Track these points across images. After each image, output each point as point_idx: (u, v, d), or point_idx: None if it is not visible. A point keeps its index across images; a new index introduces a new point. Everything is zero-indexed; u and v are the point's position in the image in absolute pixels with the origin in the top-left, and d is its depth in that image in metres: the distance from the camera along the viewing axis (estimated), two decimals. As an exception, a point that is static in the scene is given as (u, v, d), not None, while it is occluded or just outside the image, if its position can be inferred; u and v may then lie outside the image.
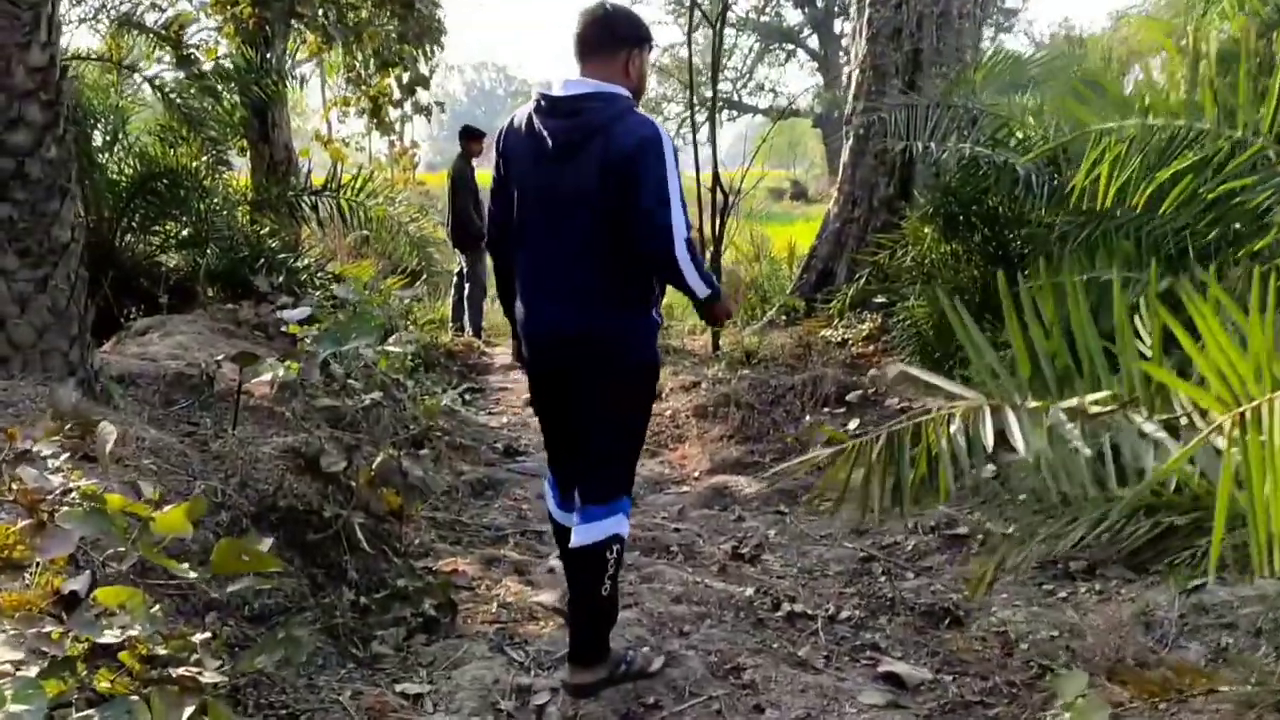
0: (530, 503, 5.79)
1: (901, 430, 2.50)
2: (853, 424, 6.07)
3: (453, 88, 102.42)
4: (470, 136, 10.24)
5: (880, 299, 8.32)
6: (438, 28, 11.18)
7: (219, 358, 5.46)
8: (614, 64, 3.17)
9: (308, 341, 4.17)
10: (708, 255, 8.56)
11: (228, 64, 8.72)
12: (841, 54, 42.83)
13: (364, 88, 11.77)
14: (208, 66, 8.82)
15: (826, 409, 6.47)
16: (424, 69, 11.82)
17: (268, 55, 8.71)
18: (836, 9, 43.02)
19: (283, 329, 5.82)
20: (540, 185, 3.18)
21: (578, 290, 3.18)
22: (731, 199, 8.54)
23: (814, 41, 43.05)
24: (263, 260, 7.86)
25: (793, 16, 42.99)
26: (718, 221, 8.46)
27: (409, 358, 6.59)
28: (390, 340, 6.22)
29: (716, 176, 8.32)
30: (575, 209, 3.12)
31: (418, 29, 10.80)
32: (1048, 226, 6.74)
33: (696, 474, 6.20)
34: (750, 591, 4.33)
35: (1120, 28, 9.03)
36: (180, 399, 5.44)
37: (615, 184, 3.03)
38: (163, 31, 8.69)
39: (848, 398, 6.24)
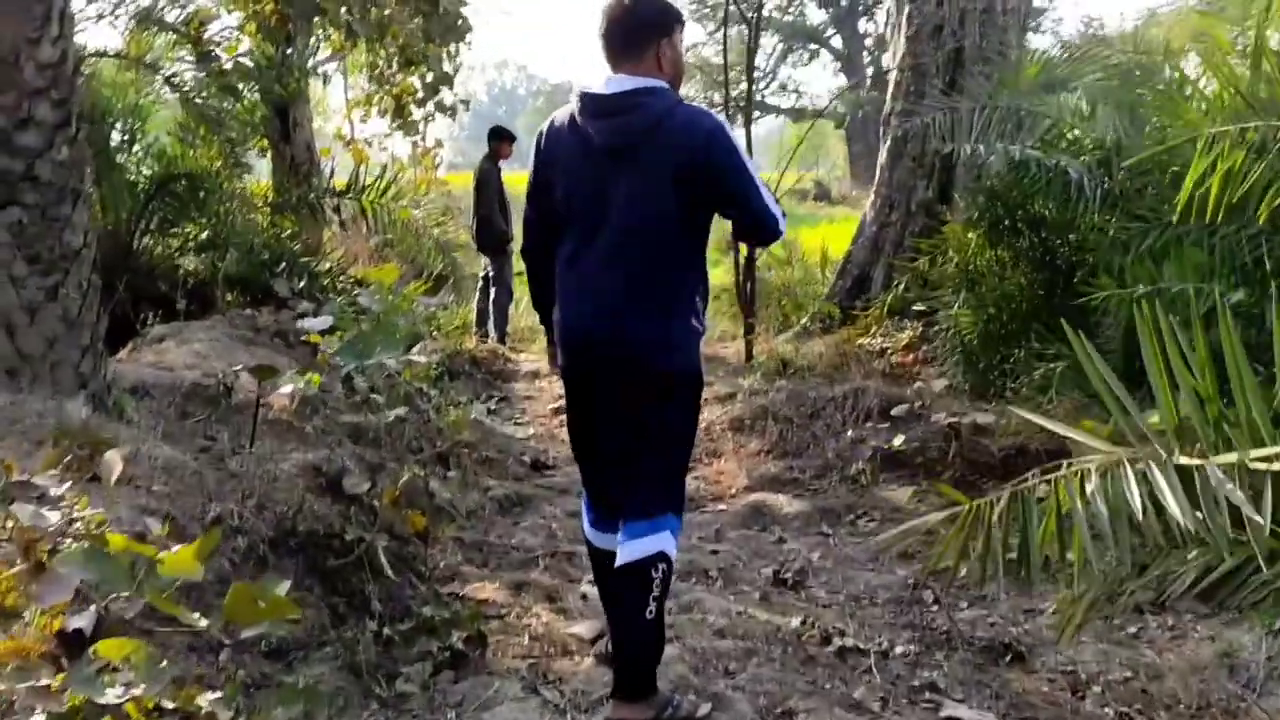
0: (560, 520, 5.55)
1: (1027, 489, 2.22)
2: (898, 439, 5.81)
3: (474, 87, 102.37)
4: (500, 138, 10.00)
5: (920, 306, 8.06)
6: (463, 25, 10.96)
7: (237, 368, 5.24)
8: (647, 58, 3.01)
9: (330, 353, 3.93)
10: (742, 261, 8.27)
11: (248, 62, 8.50)
12: (865, 54, 42.54)
13: (387, 87, 11.55)
14: (229, 65, 8.61)
15: (869, 423, 6.21)
16: (448, 68, 11.59)
17: (289, 52, 8.49)
18: (861, 8, 42.60)
19: (303, 337, 5.61)
20: (590, 187, 3.02)
21: (618, 294, 3.02)
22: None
23: (837, 41, 42.60)
24: (283, 264, 7.65)
25: (816, 16, 42.57)
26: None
27: (433, 367, 6.35)
28: (414, 349, 5.98)
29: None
30: (628, 210, 2.98)
31: (442, 27, 10.57)
32: (1101, 231, 6.47)
33: (733, 491, 5.95)
34: (796, 622, 4.08)
35: (1151, 26, 8.68)
36: (196, 411, 5.24)
37: (693, 184, 2.91)
38: (183, 28, 8.48)
39: (892, 412, 5.96)
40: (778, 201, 3.05)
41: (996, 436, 5.82)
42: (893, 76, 9.33)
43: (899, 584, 4.72)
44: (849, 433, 6.15)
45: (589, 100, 3.01)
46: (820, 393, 6.65)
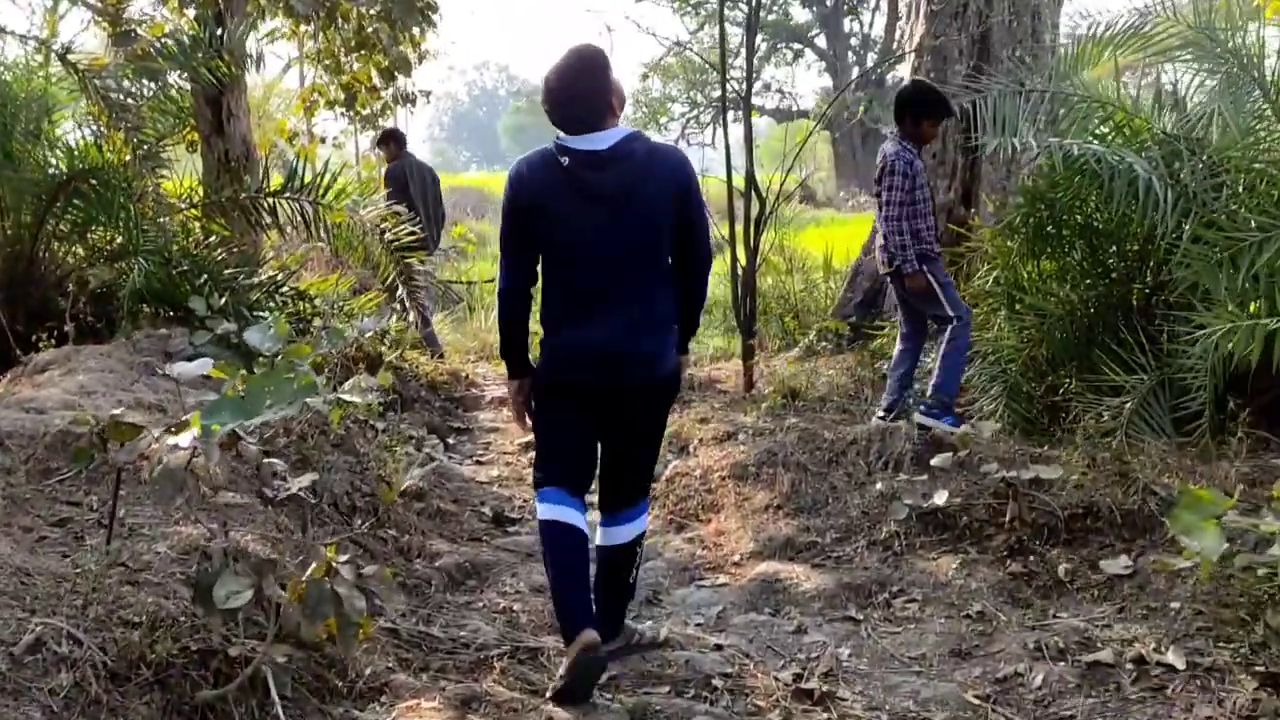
0: (524, 598, 4.54)
1: None
2: (940, 496, 4.77)
3: (454, 87, 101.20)
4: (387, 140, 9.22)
5: (946, 325, 7.04)
6: (427, 7, 9.89)
7: (117, 413, 4.14)
8: (607, 111, 3.42)
9: (202, 415, 2.89)
10: (741, 272, 7.23)
11: (175, 43, 7.40)
12: (850, 54, 41.76)
13: (339, 74, 10.45)
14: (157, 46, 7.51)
15: (900, 472, 5.17)
16: (411, 55, 10.51)
17: (219, 33, 7.39)
18: (845, 7, 41.91)
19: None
20: (598, 226, 3.41)
21: (632, 316, 3.48)
22: (770, 207, 7.22)
23: (822, 41, 41.83)
24: (206, 277, 6.57)
25: (800, 15, 41.75)
26: (752, 233, 7.13)
27: (376, 404, 5.29)
28: (348, 384, 4.93)
29: (752, 180, 7.01)
30: (641, 241, 3.46)
31: (402, 8, 9.50)
32: (1175, 240, 5.46)
33: (737, 558, 4.93)
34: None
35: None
36: (61, 467, 4.19)
37: (681, 206, 3.48)
38: (98, 4, 7.38)
39: (933, 462, 4.92)
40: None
41: (1058, 490, 4.79)
42: (910, 62, 8.30)
43: (955, 696, 3.71)
44: (877, 485, 5.14)
45: (578, 156, 3.37)
46: (839, 433, 5.62)
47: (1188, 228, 5.47)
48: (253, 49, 8.36)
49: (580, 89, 3.37)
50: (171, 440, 3.20)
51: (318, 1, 8.57)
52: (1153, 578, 4.36)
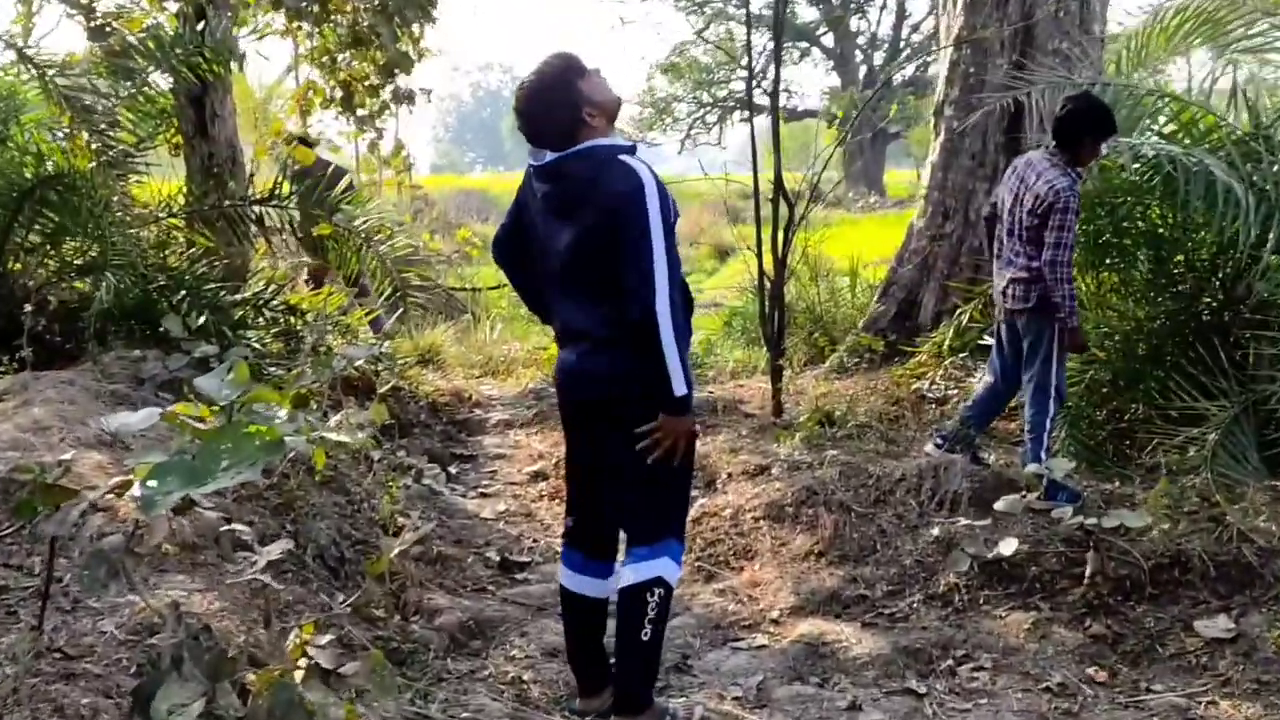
0: (535, 665, 4.01)
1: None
2: (1007, 545, 4.20)
3: (458, 88, 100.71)
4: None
5: (990, 341, 6.47)
6: (427, 1, 9.33)
7: (66, 457, 3.58)
8: (572, 127, 3.21)
9: (144, 480, 2.34)
10: (768, 285, 6.66)
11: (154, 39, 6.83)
12: (858, 53, 41.25)
13: (335, 72, 9.87)
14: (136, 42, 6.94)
15: (959, 516, 4.60)
16: (411, 51, 9.95)
17: (199, 29, 6.83)
18: (853, 5, 41.47)
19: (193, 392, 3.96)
20: (545, 241, 3.34)
21: (592, 331, 3.30)
22: (800, 211, 6.64)
23: (829, 40, 41.34)
24: (185, 293, 6.02)
25: (807, 14, 41.24)
26: (781, 240, 6.56)
27: (366, 440, 4.73)
28: (336, 419, 4.38)
29: (780, 184, 6.44)
30: (575, 263, 3.26)
31: (401, 1, 8.94)
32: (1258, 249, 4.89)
33: (776, 614, 4.38)
34: None
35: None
36: (3, 521, 3.65)
37: (605, 239, 3.15)
38: (73, -2, 6.84)
39: (996, 505, 4.34)
40: (681, 287, 3.22)
41: (1139, 536, 4.22)
42: (946, 56, 7.73)
43: (1046, 795, 3.12)
44: (933, 529, 4.58)
45: (534, 169, 3.31)
46: (884, 468, 5.06)
47: (1272, 236, 4.91)
48: (245, 46, 7.81)
49: (533, 107, 3.24)
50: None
51: (312, -4, 8.03)
52: (1260, 643, 3.80)
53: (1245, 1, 5.53)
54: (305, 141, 8.87)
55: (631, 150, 3.26)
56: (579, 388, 3.39)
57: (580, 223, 3.19)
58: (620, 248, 3.11)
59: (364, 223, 6.48)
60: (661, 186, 3.15)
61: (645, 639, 3.34)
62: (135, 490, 2.58)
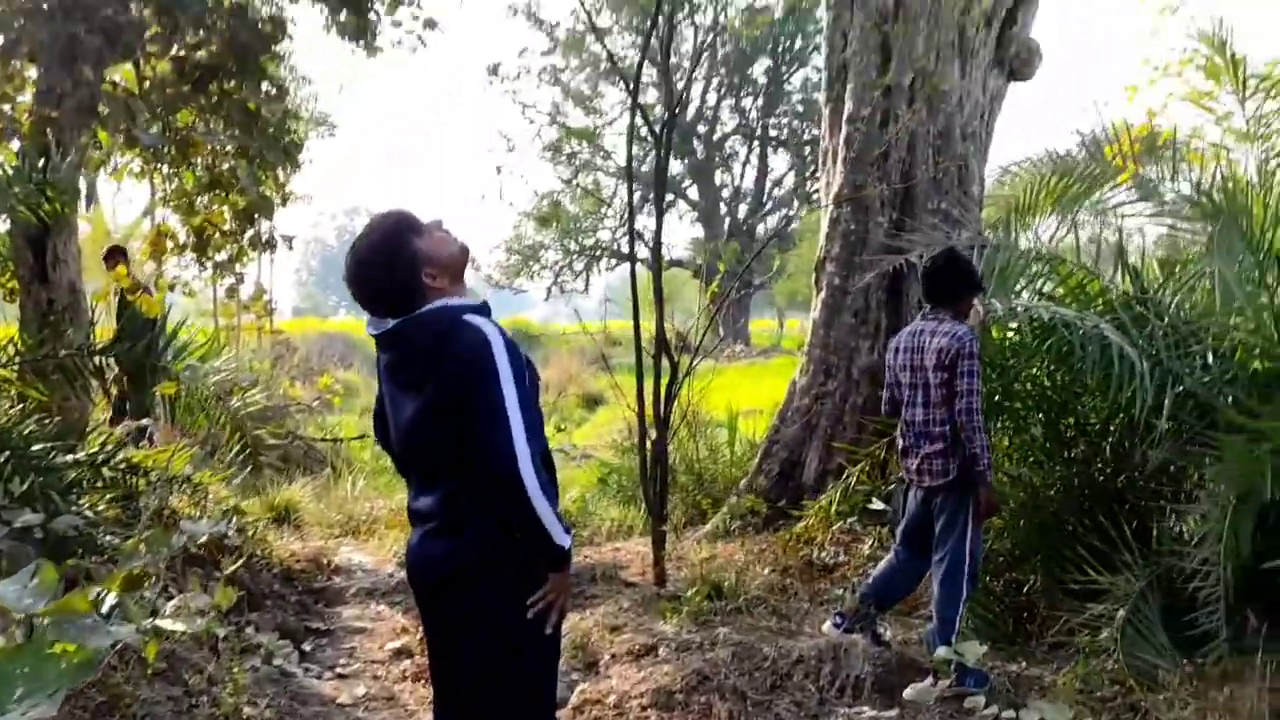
0: None
1: None
2: (920, 740, 3.86)
3: (323, 231, 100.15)
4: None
5: (881, 505, 6.23)
6: (293, 144, 8.99)
7: None
8: (410, 290, 2.91)
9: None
10: (650, 444, 6.35)
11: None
12: (722, 205, 42.34)
13: (192, 215, 9.39)
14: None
15: (863, 704, 4.24)
16: (274, 196, 9.55)
17: (40, 166, 6.33)
18: (717, 160, 42.79)
19: None
20: (392, 415, 3.07)
21: (435, 514, 2.98)
22: (687, 365, 6.39)
23: (694, 192, 42.42)
24: (8, 454, 5.39)
25: (673, 166, 42.34)
26: (664, 398, 6.27)
27: (208, 624, 4.18)
28: (173, 604, 3.85)
29: (663, 340, 6.19)
30: (419, 437, 2.96)
31: (265, 144, 8.58)
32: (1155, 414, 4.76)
33: (671, 822, 3.89)
34: None
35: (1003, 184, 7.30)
36: None
37: (451, 411, 2.83)
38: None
39: (905, 694, 4.00)
40: (544, 456, 2.87)
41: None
42: (827, 213, 7.66)
43: None
44: (838, 721, 4.17)
45: (375, 336, 3.02)
46: (780, 648, 4.70)
47: (1166, 403, 4.80)
48: (101, 185, 7.32)
49: (366, 272, 2.96)
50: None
51: (167, 135, 7.60)
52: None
53: (1127, 165, 5.55)
54: (145, 289, 8.31)
55: (480, 309, 2.94)
56: (420, 572, 3.05)
57: (424, 394, 2.88)
58: (472, 418, 2.79)
59: (216, 377, 5.99)
60: (512, 346, 2.85)
61: None
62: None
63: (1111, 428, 5.44)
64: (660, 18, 7.15)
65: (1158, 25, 17.97)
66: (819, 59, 37.06)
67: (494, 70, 38.37)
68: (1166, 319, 5.21)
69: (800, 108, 40.63)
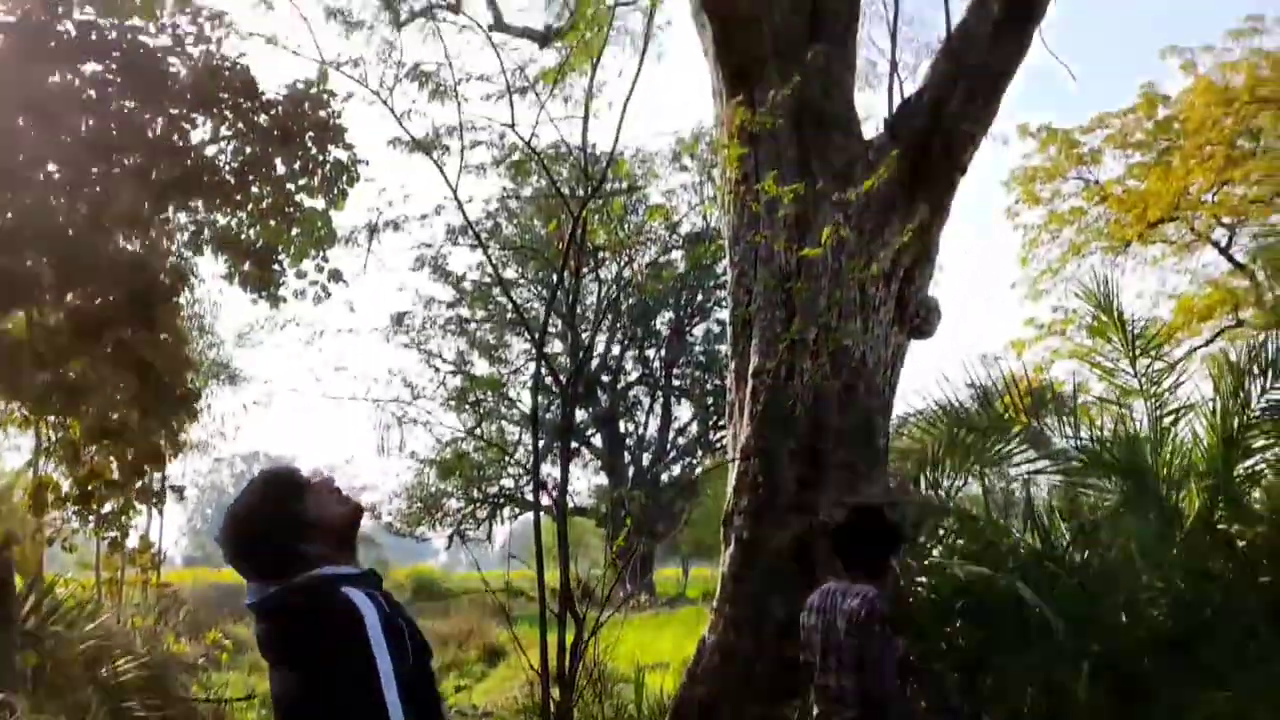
0: None
1: None
2: None
3: (220, 479, 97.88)
4: None
5: (798, 774, 5.92)
6: (190, 394, 8.77)
7: None
8: (286, 556, 2.68)
9: None
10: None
11: None
12: (626, 454, 42.44)
13: (77, 467, 8.99)
14: None
15: None
16: (166, 446, 9.24)
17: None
18: (621, 408, 43.26)
19: None
20: (271, 686, 2.75)
21: None
22: (594, 621, 6.13)
23: (598, 440, 42.62)
24: None
25: (577, 414, 42.64)
26: (568, 659, 5.98)
27: None
28: None
29: (569, 597, 5.96)
30: (290, 713, 2.67)
31: (157, 397, 8.34)
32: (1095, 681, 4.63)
33: None
34: None
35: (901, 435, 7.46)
36: None
37: (320, 694, 2.56)
38: None
39: None
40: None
41: None
42: (735, 467, 7.61)
43: None
44: None
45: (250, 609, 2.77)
46: None
47: (1085, 665, 4.69)
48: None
49: (241, 537, 2.77)
50: None
51: (50, 388, 7.34)
52: None
53: (1020, 417, 5.61)
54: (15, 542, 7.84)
55: (362, 578, 2.72)
56: None
57: (295, 670, 2.65)
58: (344, 694, 2.53)
59: (93, 639, 5.57)
60: (392, 622, 2.61)
61: None
62: None
63: (1033, 691, 5.29)
64: (566, 272, 7.24)
65: (1040, 286, 18.98)
66: (721, 312, 38.19)
67: (399, 320, 38.75)
68: (1076, 579, 5.17)
69: (703, 359, 41.45)
